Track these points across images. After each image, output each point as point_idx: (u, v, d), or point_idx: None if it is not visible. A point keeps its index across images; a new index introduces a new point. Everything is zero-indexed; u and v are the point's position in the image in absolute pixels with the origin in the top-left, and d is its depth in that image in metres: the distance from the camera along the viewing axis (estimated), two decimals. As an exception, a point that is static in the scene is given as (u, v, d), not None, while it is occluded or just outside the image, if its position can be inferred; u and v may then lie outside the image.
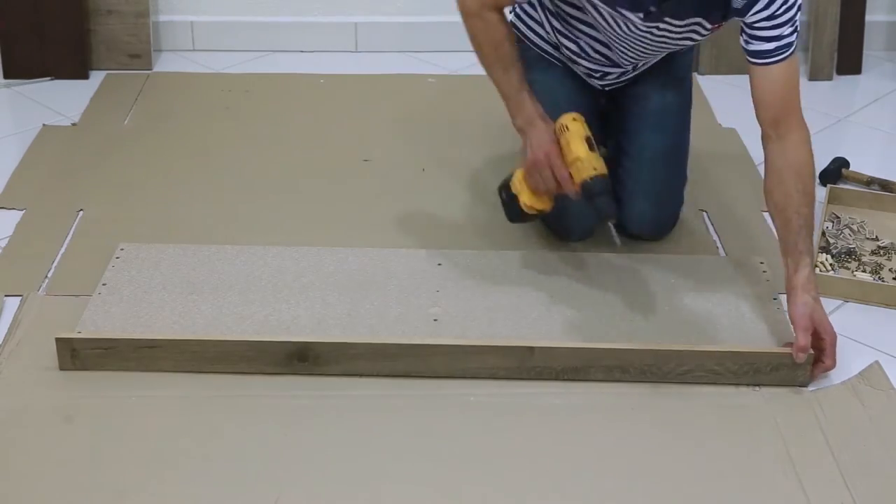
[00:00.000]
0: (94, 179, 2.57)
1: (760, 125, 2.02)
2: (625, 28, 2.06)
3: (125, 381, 1.90)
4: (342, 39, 3.36)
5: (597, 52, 2.21)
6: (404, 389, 1.91)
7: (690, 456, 1.78)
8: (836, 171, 2.63)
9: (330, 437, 1.81)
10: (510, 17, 2.30)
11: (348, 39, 3.36)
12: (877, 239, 2.38)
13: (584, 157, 1.99)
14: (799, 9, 1.94)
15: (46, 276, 2.19)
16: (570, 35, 2.22)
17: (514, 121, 2.10)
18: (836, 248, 2.32)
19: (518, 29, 2.32)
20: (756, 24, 1.95)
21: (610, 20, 2.07)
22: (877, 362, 1.98)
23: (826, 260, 2.27)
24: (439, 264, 2.24)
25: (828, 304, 2.16)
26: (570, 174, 2.00)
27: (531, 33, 2.31)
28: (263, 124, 2.88)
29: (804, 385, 1.93)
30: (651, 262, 2.25)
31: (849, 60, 3.25)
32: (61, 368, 1.92)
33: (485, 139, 2.80)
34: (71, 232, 2.35)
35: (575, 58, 2.25)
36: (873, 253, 2.33)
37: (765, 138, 2.02)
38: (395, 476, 1.73)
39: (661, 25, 2.04)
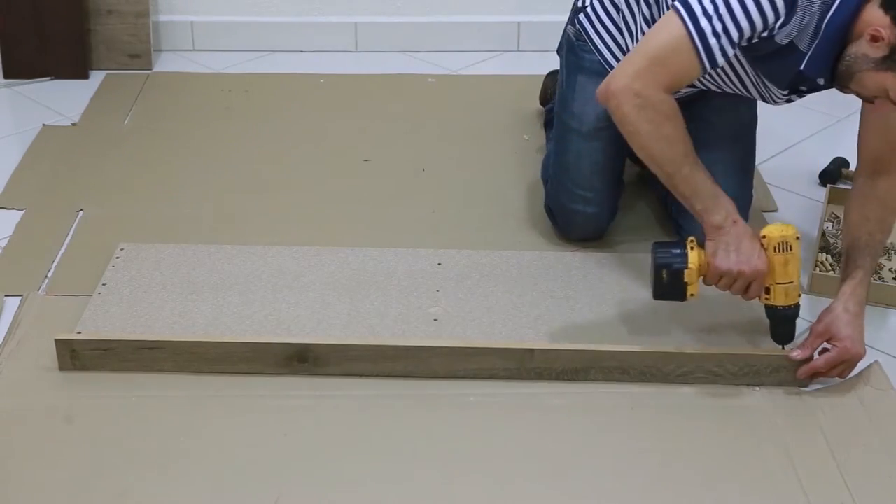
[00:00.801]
0: (94, 179, 2.57)
1: (859, 160, 2.02)
2: (760, 91, 2.05)
3: (125, 381, 1.90)
4: (342, 39, 3.36)
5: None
6: (404, 390, 1.91)
7: (690, 456, 1.78)
8: (836, 171, 2.63)
9: (330, 437, 1.81)
10: (581, 19, 2.27)
11: (348, 39, 3.36)
12: (877, 239, 2.38)
13: (796, 283, 1.90)
14: None
15: (46, 276, 2.20)
16: None
17: (711, 217, 1.89)
18: (836, 248, 2.32)
19: (587, 33, 2.27)
20: None
21: (745, 79, 2.04)
22: (877, 362, 1.98)
23: (826, 260, 2.27)
24: (439, 264, 2.24)
25: (828, 304, 2.16)
26: (768, 290, 1.91)
27: (608, 41, 2.24)
28: (263, 124, 2.88)
29: (804, 386, 1.93)
30: (651, 262, 2.25)
31: (849, 60, 3.25)
32: (61, 369, 1.92)
33: (484, 139, 2.80)
34: (71, 232, 2.35)
35: None
36: (873, 253, 2.33)
37: (858, 173, 2.02)
38: (394, 476, 1.73)
39: (793, 97, 2.05)
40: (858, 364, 1.95)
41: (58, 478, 1.71)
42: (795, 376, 1.91)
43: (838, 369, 1.91)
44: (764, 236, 1.88)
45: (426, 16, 3.37)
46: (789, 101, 2.07)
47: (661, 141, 1.88)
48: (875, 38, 1.74)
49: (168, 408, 1.86)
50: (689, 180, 1.90)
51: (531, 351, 1.92)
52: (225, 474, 1.72)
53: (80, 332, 1.97)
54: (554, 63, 3.13)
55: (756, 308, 2.10)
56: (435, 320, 2.06)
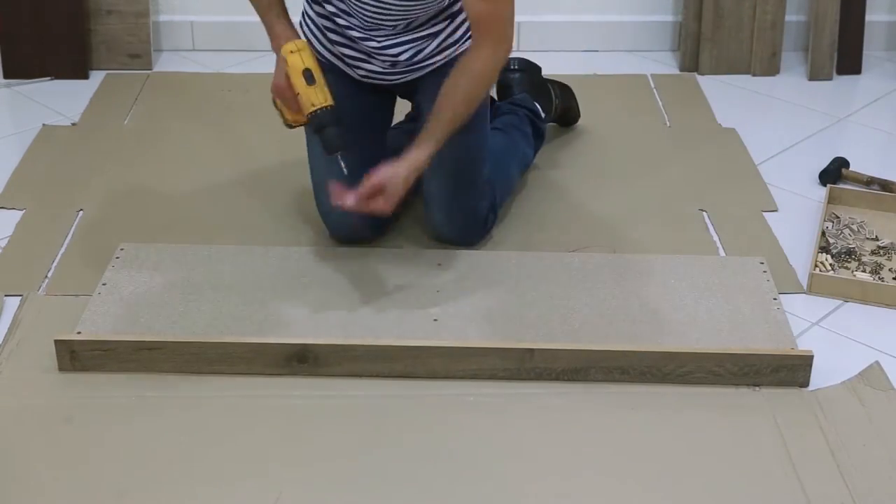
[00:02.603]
0: (94, 179, 2.57)
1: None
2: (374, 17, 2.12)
3: (125, 381, 1.90)
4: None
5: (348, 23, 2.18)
6: (404, 390, 1.91)
7: (690, 456, 1.78)
8: (836, 171, 2.63)
9: (330, 437, 1.81)
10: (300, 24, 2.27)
11: (348, 39, 3.35)
12: (877, 239, 2.38)
13: (302, 93, 2.00)
14: None
15: (46, 276, 2.20)
16: (327, 17, 2.19)
17: (271, 46, 2.10)
18: (836, 248, 2.32)
19: (307, 36, 2.27)
20: None
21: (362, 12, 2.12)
22: (877, 362, 1.98)
23: (826, 260, 2.27)
24: (439, 264, 2.24)
25: (828, 303, 2.17)
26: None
27: (314, 40, 2.25)
28: (263, 124, 2.87)
29: (804, 385, 1.93)
30: (651, 262, 2.25)
31: (849, 60, 3.25)
32: (61, 370, 1.92)
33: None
34: (71, 232, 2.35)
35: (340, 48, 2.21)
36: (873, 253, 2.33)
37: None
38: (394, 476, 1.73)
39: None
40: (858, 364, 1.94)
41: (58, 478, 1.71)
42: (801, 377, 1.91)
43: (372, 200, 1.99)
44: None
45: (426, 16, 3.37)
46: None
47: None
48: None
49: (168, 408, 1.86)
50: (258, 11, 2.12)
51: (531, 351, 1.92)
52: (225, 474, 1.72)
53: (79, 333, 1.97)
54: (554, 63, 3.14)
55: (756, 308, 2.10)
56: (435, 320, 2.06)
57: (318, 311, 2.08)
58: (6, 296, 2.13)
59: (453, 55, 2.21)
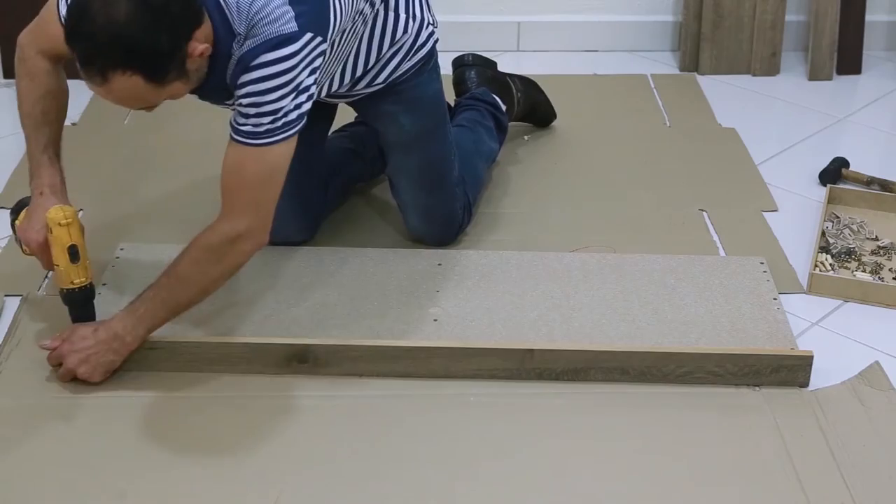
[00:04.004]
0: (94, 179, 2.57)
1: None
2: None
3: (125, 381, 1.90)
4: (342, 39, 3.35)
5: None
6: (404, 390, 1.91)
7: (690, 456, 1.78)
8: (836, 171, 2.63)
9: (330, 437, 1.81)
10: None
11: (348, 39, 3.35)
12: (877, 239, 2.38)
13: (63, 269, 1.88)
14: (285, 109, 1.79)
15: (46, 276, 2.19)
16: None
17: (30, 182, 1.98)
18: (836, 248, 2.32)
19: None
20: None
21: None
22: (877, 362, 1.98)
23: (826, 260, 2.27)
24: (439, 264, 2.24)
25: (828, 303, 2.17)
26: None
27: None
28: (263, 124, 2.87)
29: (804, 385, 1.93)
30: (651, 262, 2.25)
31: (849, 60, 3.25)
32: (61, 369, 1.92)
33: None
34: (71, 232, 2.35)
35: None
36: (873, 253, 2.33)
37: None
38: (394, 476, 1.73)
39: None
40: (858, 364, 1.94)
41: (58, 478, 1.71)
42: (801, 377, 1.91)
43: (63, 367, 1.87)
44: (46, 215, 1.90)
45: (426, 16, 3.36)
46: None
47: (18, 96, 1.98)
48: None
49: (168, 408, 1.86)
50: (26, 141, 2.00)
51: (531, 351, 1.92)
52: (225, 474, 1.72)
53: (80, 332, 1.97)
54: (554, 63, 3.14)
55: (756, 308, 2.10)
56: (435, 320, 2.06)
57: (318, 311, 2.08)
58: (6, 296, 2.13)
59: (391, 80, 2.12)
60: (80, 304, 1.94)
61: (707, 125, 2.93)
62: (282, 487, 1.69)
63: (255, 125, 1.80)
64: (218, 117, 2.91)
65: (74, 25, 1.69)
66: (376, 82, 2.12)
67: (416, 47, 2.11)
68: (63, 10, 1.84)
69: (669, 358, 1.92)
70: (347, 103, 2.24)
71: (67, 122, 2.84)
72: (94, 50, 1.68)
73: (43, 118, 1.98)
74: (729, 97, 3.10)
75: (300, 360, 1.92)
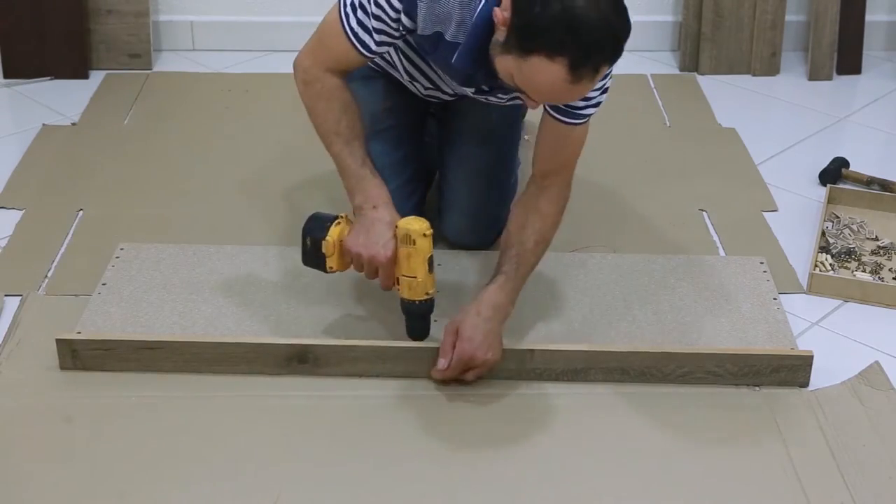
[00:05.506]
0: (94, 179, 2.57)
1: (533, 168, 1.99)
2: (452, 87, 2.08)
3: (125, 381, 1.90)
4: (342, 39, 3.35)
5: (430, 86, 2.14)
6: (404, 390, 1.91)
7: (690, 456, 1.78)
8: (836, 171, 2.63)
9: (330, 437, 1.81)
10: None
11: (348, 39, 3.35)
12: (877, 239, 2.38)
13: (420, 280, 1.87)
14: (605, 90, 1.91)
15: (46, 276, 2.19)
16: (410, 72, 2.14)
17: (354, 198, 1.95)
18: (836, 248, 2.32)
19: None
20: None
21: (428, 72, 2.07)
22: (877, 362, 1.98)
23: (826, 260, 2.27)
24: (439, 264, 2.23)
25: (828, 304, 2.17)
26: (398, 281, 1.90)
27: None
28: (263, 124, 2.87)
29: (804, 385, 1.93)
30: (651, 262, 2.25)
31: (849, 60, 3.25)
32: (62, 368, 1.92)
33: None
34: (71, 232, 2.35)
35: (409, 83, 2.19)
36: (873, 253, 2.33)
37: (530, 180, 2.00)
38: (394, 476, 1.73)
39: (491, 98, 2.04)
40: (858, 364, 1.95)
41: (58, 478, 1.71)
42: (801, 377, 1.91)
43: (469, 373, 1.88)
44: (397, 227, 1.88)
45: (426, 16, 3.36)
46: (487, 100, 2.05)
47: (317, 117, 1.96)
48: (500, 22, 1.69)
49: (168, 408, 1.86)
50: (337, 158, 1.95)
51: (531, 351, 1.92)
52: (225, 474, 1.72)
53: (79, 332, 1.97)
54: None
55: (756, 308, 2.10)
56: (435, 320, 2.06)
57: (318, 311, 2.08)
58: (6, 296, 2.13)
59: None
60: (426, 314, 1.93)
61: (707, 125, 2.93)
62: (282, 487, 1.69)
63: None
64: (217, 117, 2.92)
65: (580, 27, 1.61)
66: None
67: None
68: (351, 25, 1.87)
69: (669, 358, 1.92)
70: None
71: (67, 122, 2.88)
72: (610, 46, 1.65)
73: (351, 133, 1.95)
74: (729, 97, 3.10)
75: (300, 360, 1.92)
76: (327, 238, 1.91)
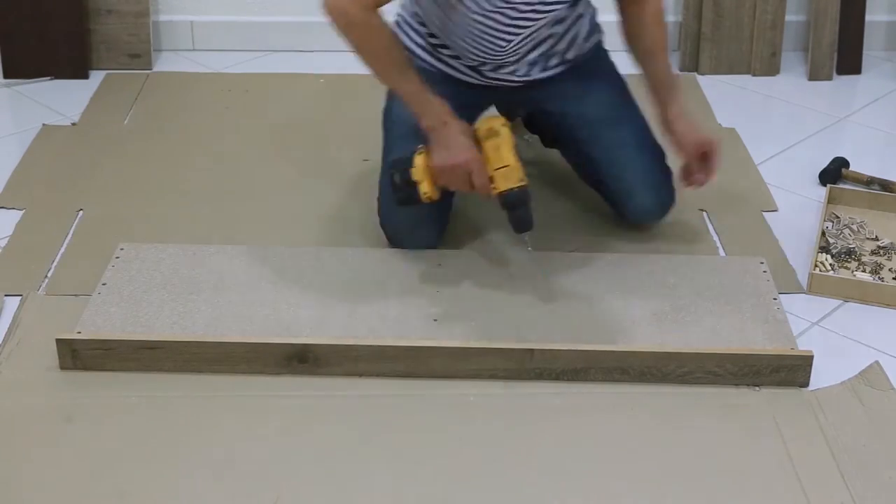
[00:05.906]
0: (94, 179, 2.57)
1: None
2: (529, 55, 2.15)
3: (125, 381, 1.90)
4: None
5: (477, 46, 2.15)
6: (404, 390, 1.91)
7: (690, 456, 1.78)
8: (836, 171, 2.63)
9: (330, 437, 1.81)
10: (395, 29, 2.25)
11: (348, 39, 3.35)
12: (877, 239, 2.38)
13: (513, 166, 1.96)
14: None
15: (46, 276, 2.20)
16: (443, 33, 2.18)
17: (423, 121, 2.04)
18: (836, 248, 2.32)
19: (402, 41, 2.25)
20: None
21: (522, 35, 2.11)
22: (877, 362, 1.98)
23: (826, 260, 2.27)
24: (439, 264, 2.24)
25: (828, 304, 2.17)
26: (492, 179, 1.98)
27: (409, 43, 2.25)
28: (263, 124, 2.88)
29: (804, 385, 1.93)
30: (651, 262, 2.25)
31: (849, 60, 3.25)
32: (62, 368, 1.92)
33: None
34: (71, 232, 2.35)
35: (451, 60, 2.22)
36: (873, 253, 2.33)
37: (619, 6, 2.19)
38: (394, 476, 1.73)
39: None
40: (858, 364, 1.94)
41: (58, 478, 1.71)
42: (801, 377, 1.91)
43: (707, 163, 2.15)
44: (476, 129, 2.00)
45: (426, 16, 3.36)
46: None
47: (369, 55, 2.02)
48: None
49: (168, 408, 1.86)
50: (397, 87, 2.08)
51: (531, 351, 1.92)
52: (225, 474, 1.72)
53: (79, 332, 1.97)
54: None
55: (756, 308, 2.10)
56: (435, 320, 2.06)
57: (318, 311, 2.08)
58: (6, 296, 2.13)
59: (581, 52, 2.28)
60: (527, 201, 1.99)
61: (707, 125, 2.92)
62: (281, 487, 1.69)
63: None
64: (217, 117, 2.92)
65: None
66: (567, 58, 2.24)
67: (596, 25, 2.32)
68: None
69: (669, 358, 1.92)
70: (529, 97, 2.28)
71: (67, 122, 2.88)
72: None
73: (402, 62, 2.05)
74: (729, 97, 3.10)
75: (300, 360, 1.92)
76: (414, 166, 2.03)
